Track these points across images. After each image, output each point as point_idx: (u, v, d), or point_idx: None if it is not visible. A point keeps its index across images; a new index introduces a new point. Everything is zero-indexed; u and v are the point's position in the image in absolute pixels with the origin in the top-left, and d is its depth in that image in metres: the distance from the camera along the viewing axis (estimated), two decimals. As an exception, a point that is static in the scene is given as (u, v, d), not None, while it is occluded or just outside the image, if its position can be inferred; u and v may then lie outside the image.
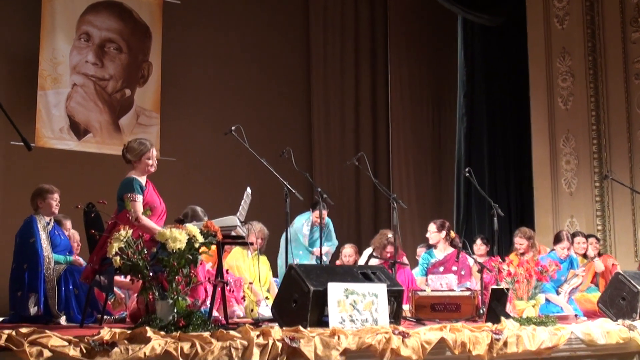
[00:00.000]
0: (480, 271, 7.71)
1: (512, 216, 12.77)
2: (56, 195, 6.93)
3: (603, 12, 11.61)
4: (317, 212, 9.43)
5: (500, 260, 7.44)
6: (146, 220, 5.84)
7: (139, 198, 5.94)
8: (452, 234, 8.71)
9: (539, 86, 11.89)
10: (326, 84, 12.79)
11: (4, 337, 3.97)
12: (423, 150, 13.51)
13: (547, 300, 8.05)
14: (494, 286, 6.87)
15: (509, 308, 6.79)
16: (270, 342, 4.54)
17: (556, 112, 11.75)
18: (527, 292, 6.88)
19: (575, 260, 8.91)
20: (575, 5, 11.71)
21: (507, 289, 6.74)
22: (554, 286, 8.30)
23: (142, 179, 6.12)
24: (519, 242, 8.78)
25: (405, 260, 8.81)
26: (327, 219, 9.55)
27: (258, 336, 4.55)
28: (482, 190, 8.78)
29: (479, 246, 9.81)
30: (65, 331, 4.54)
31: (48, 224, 6.83)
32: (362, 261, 9.12)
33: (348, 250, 9.59)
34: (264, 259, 8.34)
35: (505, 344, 5.50)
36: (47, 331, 4.11)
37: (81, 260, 7.02)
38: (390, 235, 8.83)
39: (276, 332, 4.67)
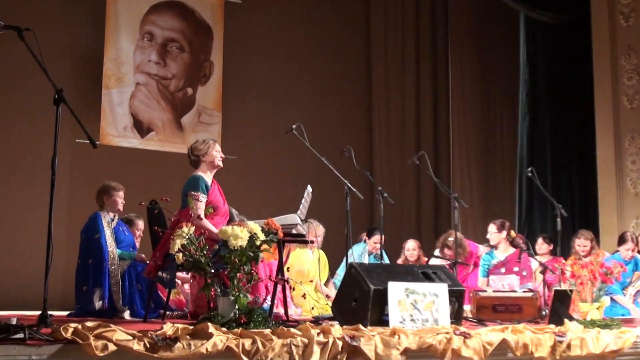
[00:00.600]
0: (543, 272, 7.61)
1: (576, 217, 12.56)
2: (121, 193, 7.05)
3: (670, 8, 11.39)
4: (374, 238, 9.41)
5: (563, 261, 7.33)
6: (205, 221, 5.91)
7: (203, 197, 6.02)
8: (513, 233, 8.61)
9: (604, 85, 11.68)
10: (387, 82, 12.75)
11: (70, 330, 4.05)
12: (485, 150, 13.37)
13: (613, 301, 7.93)
14: (557, 287, 6.77)
15: (572, 310, 6.68)
16: (331, 340, 4.54)
17: (621, 111, 11.53)
18: (591, 294, 6.77)
19: None
20: (641, 2, 11.50)
21: (571, 291, 6.64)
22: (621, 287, 8.16)
23: (209, 178, 6.20)
24: (583, 243, 8.65)
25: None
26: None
27: (318, 334, 4.55)
28: (544, 190, 8.67)
29: (540, 245, 9.67)
30: (129, 326, 4.60)
31: (112, 220, 6.95)
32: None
33: (411, 244, 9.56)
34: (322, 256, 8.36)
35: (568, 346, 5.40)
36: (112, 325, 4.17)
37: (144, 256, 7.11)
38: (451, 238, 8.83)
39: (336, 330, 4.66)
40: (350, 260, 7.37)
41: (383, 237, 8.21)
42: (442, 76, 13.20)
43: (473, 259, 8.98)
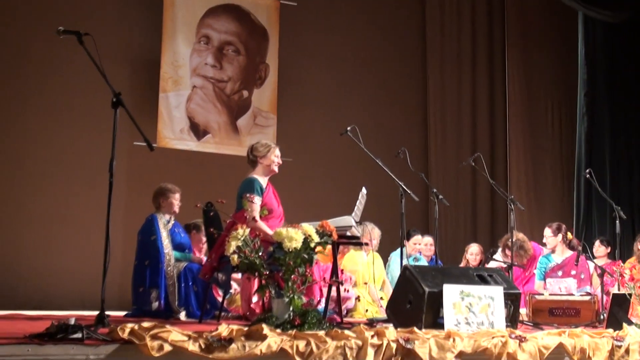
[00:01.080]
0: (601, 275, 7.50)
1: (636, 219, 12.34)
2: (178, 195, 7.14)
3: None
4: (414, 239, 9.33)
5: (622, 264, 7.22)
6: (261, 223, 5.96)
7: (257, 199, 6.07)
8: (570, 236, 8.52)
9: (665, 85, 11.47)
10: (442, 83, 12.66)
11: (127, 330, 4.11)
12: (542, 151, 13.20)
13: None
14: (616, 291, 6.67)
15: (631, 314, 6.57)
16: (385, 342, 4.54)
17: (683, 111, 11.31)
18: (651, 298, 6.64)
19: None
20: None
21: (630, 295, 6.53)
22: None
23: (264, 181, 6.25)
24: None
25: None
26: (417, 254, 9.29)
27: (372, 336, 4.55)
28: (603, 192, 8.55)
29: (598, 248, 9.52)
30: (184, 326, 4.65)
31: (168, 222, 7.03)
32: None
33: (475, 248, 9.50)
34: (378, 259, 8.35)
35: (627, 351, 5.32)
36: (167, 326, 4.22)
37: (201, 258, 7.18)
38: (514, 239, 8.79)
39: (391, 332, 4.66)
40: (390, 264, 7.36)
41: (437, 240, 8.16)
42: (498, 77, 13.07)
43: (536, 262, 8.89)
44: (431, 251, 9.30)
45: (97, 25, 9.38)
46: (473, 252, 9.45)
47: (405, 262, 9.07)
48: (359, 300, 7.36)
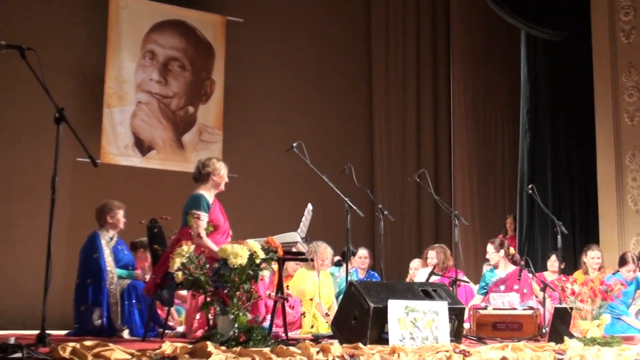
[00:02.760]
0: (544, 289, 7.60)
1: (577, 234, 12.56)
2: (122, 212, 7.07)
3: (671, 25, 11.41)
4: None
5: (564, 278, 7.32)
6: (206, 239, 5.93)
7: (204, 216, 6.04)
8: (512, 250, 8.64)
9: (605, 102, 11.69)
10: (388, 100, 12.77)
11: (69, 349, 4.05)
12: (485, 167, 13.39)
13: (615, 319, 7.92)
14: (558, 305, 6.76)
15: (572, 328, 6.67)
16: (330, 358, 4.54)
17: (622, 128, 11.53)
18: (592, 312, 6.75)
19: None
20: (641, 19, 11.52)
21: (571, 308, 6.63)
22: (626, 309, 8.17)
23: (210, 197, 6.22)
24: (597, 255, 8.64)
25: (464, 277, 8.75)
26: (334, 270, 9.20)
27: (318, 352, 4.55)
28: (545, 208, 8.67)
29: (553, 262, 9.64)
30: (128, 344, 4.60)
31: (111, 239, 6.95)
32: (418, 278, 9.08)
33: (416, 263, 9.57)
34: (328, 279, 8.36)
35: (568, 364, 5.40)
36: (110, 344, 4.17)
37: (143, 275, 7.11)
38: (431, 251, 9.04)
39: (336, 348, 4.66)
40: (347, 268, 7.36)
41: (383, 255, 8.20)
42: (443, 94, 13.22)
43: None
44: (365, 264, 9.35)
45: (40, 39, 9.27)
46: (413, 267, 9.53)
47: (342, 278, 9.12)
48: (304, 317, 7.34)
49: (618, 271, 8.67)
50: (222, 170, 6.34)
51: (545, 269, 9.70)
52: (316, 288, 8.08)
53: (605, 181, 11.56)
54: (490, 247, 8.58)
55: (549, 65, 13.18)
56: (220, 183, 6.33)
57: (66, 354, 4.02)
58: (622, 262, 8.67)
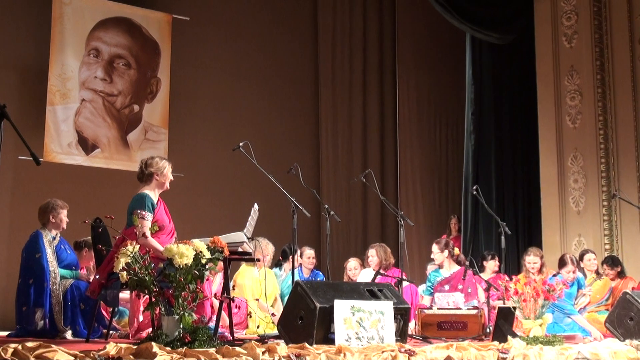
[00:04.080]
0: (487, 289, 7.69)
1: (520, 234, 12.74)
2: (66, 211, 6.97)
3: (612, 31, 11.59)
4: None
5: (508, 278, 7.41)
6: (151, 239, 5.88)
7: (149, 216, 5.98)
8: (457, 251, 8.73)
9: (547, 104, 11.86)
10: (334, 100, 12.81)
11: (10, 351, 3.98)
12: (431, 168, 13.51)
13: (563, 317, 8.08)
14: (501, 305, 6.84)
15: (515, 327, 6.76)
16: (276, 358, 4.53)
17: (564, 131, 11.71)
18: (534, 311, 6.85)
19: (582, 280, 8.88)
20: (583, 24, 11.70)
21: (514, 308, 6.71)
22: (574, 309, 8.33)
23: (155, 196, 6.16)
24: (533, 260, 8.73)
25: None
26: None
27: (264, 352, 4.54)
28: (489, 208, 8.77)
29: (489, 262, 9.77)
30: (71, 346, 4.54)
31: (54, 238, 6.85)
32: (361, 278, 9.12)
33: (353, 263, 9.60)
34: (270, 275, 8.34)
35: (511, 362, 5.47)
36: (53, 346, 4.11)
37: (87, 275, 7.02)
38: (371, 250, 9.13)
39: (282, 348, 4.66)
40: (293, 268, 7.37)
41: (329, 255, 8.20)
42: (389, 95, 13.30)
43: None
44: (313, 264, 9.37)
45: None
46: (352, 267, 9.57)
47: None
48: (250, 317, 7.32)
49: (559, 273, 8.80)
50: (165, 169, 6.25)
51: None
52: (255, 284, 8.06)
53: (547, 183, 11.73)
54: (435, 247, 8.66)
55: (494, 68, 13.34)
56: (164, 182, 6.25)
57: (7, 356, 3.96)
58: (562, 263, 8.79)
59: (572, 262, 8.75)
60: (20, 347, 4.02)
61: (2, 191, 9.52)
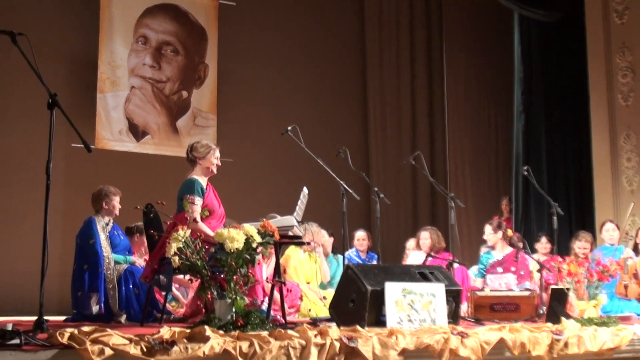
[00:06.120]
0: (540, 271, 7.61)
1: (572, 215, 12.58)
2: (118, 198, 7.04)
3: (664, 6, 11.37)
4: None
5: (560, 259, 7.33)
6: (201, 224, 5.90)
7: (198, 200, 6.01)
8: (510, 232, 8.63)
9: (599, 83, 11.67)
10: (382, 82, 12.75)
11: (67, 335, 4.04)
12: (480, 149, 13.39)
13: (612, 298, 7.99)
14: (554, 286, 6.77)
15: (569, 308, 6.68)
16: (328, 341, 4.54)
17: (616, 109, 11.52)
18: (588, 292, 6.77)
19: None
20: (634, -1, 11.49)
21: (568, 289, 6.64)
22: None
23: (204, 181, 6.18)
24: (583, 246, 8.64)
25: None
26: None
27: (316, 336, 4.55)
28: (540, 189, 8.67)
29: (545, 244, 9.65)
30: (125, 330, 4.60)
31: (107, 224, 6.93)
32: (411, 260, 9.09)
33: (412, 243, 9.58)
34: (321, 258, 8.35)
35: (565, 344, 5.41)
36: (108, 330, 4.16)
37: (141, 261, 7.10)
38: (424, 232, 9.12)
39: (334, 331, 4.66)
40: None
41: (379, 238, 8.20)
42: (437, 76, 13.20)
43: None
44: (364, 246, 9.37)
45: (32, 24, 9.24)
46: (410, 247, 9.55)
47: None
48: (302, 300, 7.35)
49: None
50: (209, 155, 6.22)
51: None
52: (302, 266, 8.08)
53: (600, 162, 11.56)
54: (488, 229, 8.58)
55: (543, 46, 13.15)
56: (209, 167, 6.22)
57: (64, 340, 4.01)
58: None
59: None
60: (76, 331, 4.08)
61: (55, 179, 9.58)
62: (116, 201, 7.00)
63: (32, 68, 4.78)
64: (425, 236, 9.14)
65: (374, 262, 8.97)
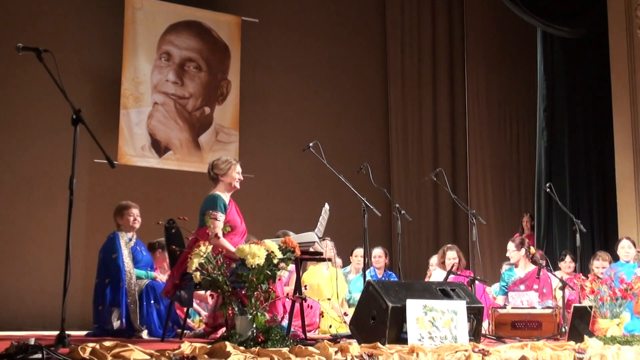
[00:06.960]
0: (562, 288, 7.56)
1: (595, 232, 12.48)
2: (134, 210, 7.07)
3: (689, 23, 11.31)
4: (355, 252, 9.36)
5: (583, 277, 7.29)
6: (223, 240, 5.93)
7: (221, 216, 6.04)
8: (532, 250, 8.59)
9: (622, 99, 11.60)
10: (404, 99, 12.76)
11: (88, 350, 4.05)
12: (502, 166, 13.35)
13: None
14: (577, 304, 6.73)
15: (592, 327, 6.64)
16: (349, 358, 4.52)
17: (640, 126, 11.46)
18: (611, 311, 6.72)
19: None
20: (659, 16, 11.44)
21: (591, 307, 6.59)
22: None
23: (226, 197, 6.22)
24: (602, 265, 8.60)
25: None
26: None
27: (336, 352, 4.54)
28: (563, 206, 8.63)
29: (569, 263, 9.59)
30: (146, 345, 4.61)
31: (130, 239, 6.97)
32: (433, 278, 9.07)
33: (435, 259, 9.56)
34: (339, 274, 8.35)
35: (588, 363, 5.37)
36: (129, 345, 4.17)
37: (162, 276, 7.12)
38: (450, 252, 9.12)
39: (354, 348, 4.65)
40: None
41: (400, 255, 8.18)
42: (458, 93, 13.20)
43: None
44: (380, 263, 9.34)
45: (57, 41, 9.33)
46: (432, 263, 9.54)
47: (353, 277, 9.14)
48: (323, 316, 7.34)
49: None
50: (230, 170, 6.27)
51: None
52: (328, 284, 8.08)
53: (623, 179, 11.48)
54: (510, 246, 8.54)
55: (566, 63, 13.10)
56: (231, 183, 6.27)
57: (86, 355, 4.03)
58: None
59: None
60: (98, 346, 4.09)
61: (79, 194, 9.67)
62: (129, 214, 7.04)
63: (57, 84, 4.83)
64: (452, 255, 9.12)
65: None
